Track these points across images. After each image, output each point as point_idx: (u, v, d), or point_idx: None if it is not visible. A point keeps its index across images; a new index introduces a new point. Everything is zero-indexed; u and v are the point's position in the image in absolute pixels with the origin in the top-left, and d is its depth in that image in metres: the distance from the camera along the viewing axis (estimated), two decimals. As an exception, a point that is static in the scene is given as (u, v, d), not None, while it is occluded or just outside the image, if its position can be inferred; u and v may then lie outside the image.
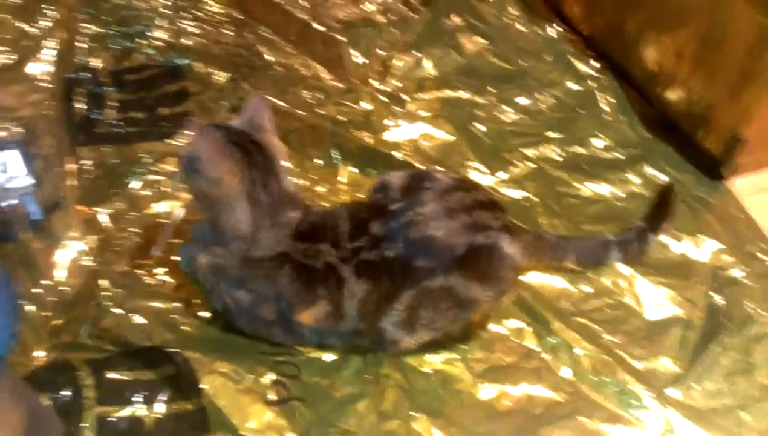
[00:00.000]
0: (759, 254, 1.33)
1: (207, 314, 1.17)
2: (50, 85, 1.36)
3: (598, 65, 1.62)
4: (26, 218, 1.07)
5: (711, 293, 1.26)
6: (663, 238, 1.34)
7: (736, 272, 1.29)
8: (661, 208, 1.30)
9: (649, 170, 1.46)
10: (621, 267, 1.28)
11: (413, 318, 1.07)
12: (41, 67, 1.39)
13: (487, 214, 1.11)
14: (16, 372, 0.82)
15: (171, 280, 1.20)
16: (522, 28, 1.71)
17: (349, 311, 1.06)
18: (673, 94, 1.51)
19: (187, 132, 1.00)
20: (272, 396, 1.07)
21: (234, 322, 1.13)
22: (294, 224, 1.06)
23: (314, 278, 1.05)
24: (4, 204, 0.88)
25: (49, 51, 1.41)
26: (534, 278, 1.25)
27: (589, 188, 1.42)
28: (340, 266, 1.05)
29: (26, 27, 1.41)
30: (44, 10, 1.45)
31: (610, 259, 1.26)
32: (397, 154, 1.41)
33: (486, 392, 1.12)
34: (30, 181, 0.96)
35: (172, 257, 1.22)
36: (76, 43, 1.51)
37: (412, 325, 1.08)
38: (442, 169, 1.36)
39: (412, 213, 1.07)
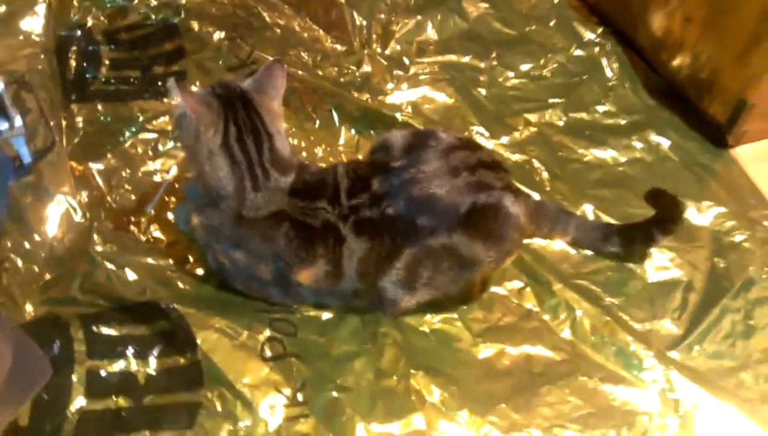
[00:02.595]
0: (762, 221, 1.31)
1: (202, 272, 1.15)
2: (43, 40, 1.34)
3: (602, 31, 1.60)
4: (16, 160, 1.04)
5: (713, 257, 1.24)
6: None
7: (739, 238, 1.28)
8: (669, 215, 1.20)
9: (652, 137, 1.43)
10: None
11: (413, 277, 1.05)
12: (36, 21, 1.36)
13: (491, 174, 1.09)
14: (2, 312, 0.80)
15: (164, 237, 1.18)
16: (526, -6, 1.68)
17: (348, 270, 1.04)
18: (679, 61, 1.49)
19: (172, 92, 0.99)
20: (268, 352, 1.05)
21: (230, 282, 1.11)
22: (286, 187, 1.03)
23: (313, 236, 1.03)
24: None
25: (44, 7, 1.38)
26: (535, 240, 1.23)
27: (592, 154, 1.40)
28: (339, 223, 1.03)
29: (20, -19, 1.38)
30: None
31: (608, 248, 1.21)
32: (398, 117, 1.39)
33: (485, 351, 1.10)
34: (20, 123, 0.94)
35: (167, 215, 1.20)
36: (71, 1, 1.48)
37: (413, 284, 1.06)
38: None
39: (415, 170, 1.05)
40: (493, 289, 1.17)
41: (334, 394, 1.03)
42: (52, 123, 1.24)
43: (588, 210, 1.29)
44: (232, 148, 1.01)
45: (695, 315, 1.16)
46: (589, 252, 1.23)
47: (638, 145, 1.42)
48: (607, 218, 1.28)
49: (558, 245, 1.24)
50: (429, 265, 1.04)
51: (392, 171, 1.06)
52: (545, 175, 1.35)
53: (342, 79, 1.46)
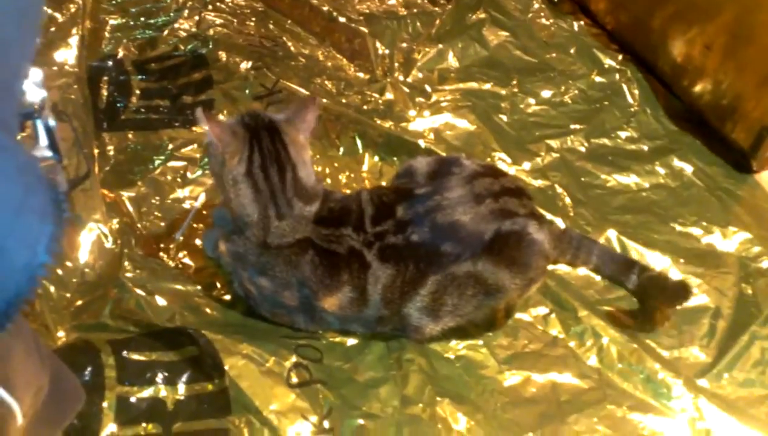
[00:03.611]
0: (789, 247, 1.31)
1: (229, 298, 1.16)
2: (76, 71, 1.38)
3: (622, 58, 1.61)
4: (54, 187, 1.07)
5: (740, 283, 1.23)
6: (692, 228, 1.32)
7: (766, 263, 1.27)
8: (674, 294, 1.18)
9: (675, 162, 1.44)
10: (649, 256, 1.26)
11: (438, 304, 1.06)
12: (69, 53, 1.40)
13: (515, 201, 1.09)
14: (40, 338, 0.82)
15: (193, 263, 1.20)
16: (545, 22, 1.70)
17: (373, 296, 1.05)
18: (700, 87, 1.49)
19: (200, 120, 1.02)
20: (295, 379, 1.06)
21: (256, 308, 1.13)
22: (310, 215, 1.05)
23: (338, 263, 1.04)
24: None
25: (77, 39, 1.42)
26: (559, 266, 1.23)
27: (615, 179, 1.40)
28: (364, 250, 1.04)
29: (55, 14, 1.43)
30: (73, -1, 1.47)
31: (625, 283, 1.20)
32: (421, 143, 1.41)
33: (511, 378, 1.10)
34: (56, 154, 0.97)
35: (196, 242, 1.22)
36: (102, 33, 1.52)
37: (437, 311, 1.06)
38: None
39: (439, 197, 1.06)
40: (518, 315, 1.17)
41: (360, 421, 1.03)
42: (84, 151, 1.27)
43: (612, 236, 1.29)
44: (256, 177, 1.03)
45: (723, 342, 1.15)
46: (612, 278, 1.24)
47: (661, 170, 1.42)
48: (631, 243, 1.28)
49: (583, 271, 1.24)
50: (453, 292, 1.05)
51: (416, 198, 1.07)
52: (568, 200, 1.35)
53: (365, 107, 1.48)
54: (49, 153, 0.95)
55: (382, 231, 1.04)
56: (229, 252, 1.10)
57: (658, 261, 1.26)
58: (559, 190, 1.37)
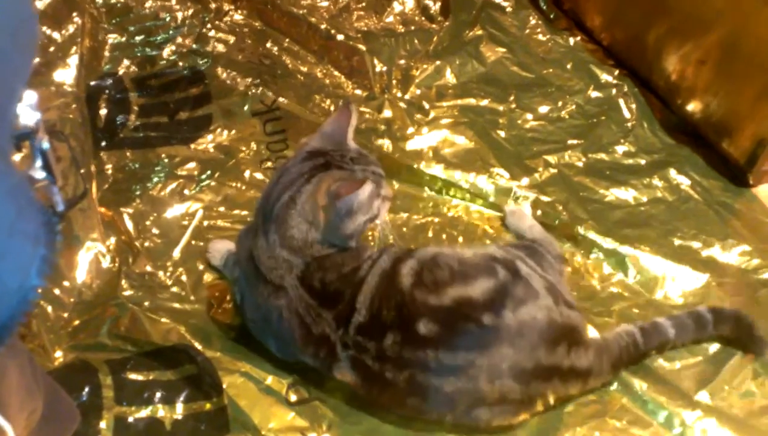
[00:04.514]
0: (788, 259, 1.30)
1: (227, 316, 1.16)
2: (75, 90, 1.38)
3: (618, 73, 1.61)
4: (50, 209, 1.07)
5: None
6: (691, 242, 1.32)
7: (765, 275, 1.27)
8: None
9: (673, 176, 1.44)
10: (649, 265, 1.26)
11: None
12: (68, 72, 1.41)
13: (521, 388, 0.98)
14: (34, 359, 0.82)
15: (190, 281, 1.20)
16: (542, 38, 1.70)
17: (340, 377, 1.00)
18: (696, 102, 1.50)
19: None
20: (293, 397, 1.05)
21: (243, 318, 1.10)
22: (292, 266, 0.98)
23: (307, 335, 0.99)
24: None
25: (76, 58, 1.43)
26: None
27: (613, 193, 1.40)
28: (337, 344, 0.97)
29: (54, 34, 1.43)
30: (71, 19, 1.47)
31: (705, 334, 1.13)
32: (419, 160, 1.41)
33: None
34: (50, 176, 0.98)
35: (193, 259, 1.22)
36: (101, 52, 1.53)
37: None
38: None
39: (434, 357, 0.95)
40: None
41: (360, 438, 1.03)
42: (82, 171, 1.28)
43: (613, 249, 1.29)
44: (276, 173, 1.04)
45: (723, 355, 1.14)
46: (615, 290, 1.23)
47: (659, 184, 1.42)
48: (633, 253, 1.28)
49: (584, 283, 1.24)
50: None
51: (412, 341, 0.95)
52: (568, 215, 1.35)
53: (363, 124, 1.48)
54: (43, 174, 0.96)
55: (363, 344, 0.96)
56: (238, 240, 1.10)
57: (659, 267, 1.27)
58: (558, 205, 1.37)
